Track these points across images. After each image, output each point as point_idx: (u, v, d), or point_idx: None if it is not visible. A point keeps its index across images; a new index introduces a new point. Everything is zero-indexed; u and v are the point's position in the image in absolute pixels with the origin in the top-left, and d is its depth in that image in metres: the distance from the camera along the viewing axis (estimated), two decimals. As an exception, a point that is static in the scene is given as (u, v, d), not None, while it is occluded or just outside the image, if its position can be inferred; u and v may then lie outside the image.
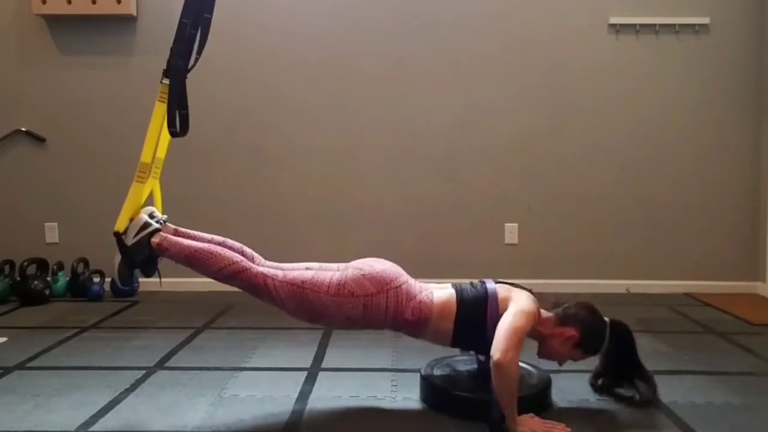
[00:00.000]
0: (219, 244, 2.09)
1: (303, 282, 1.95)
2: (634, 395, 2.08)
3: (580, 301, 2.06)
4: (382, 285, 1.94)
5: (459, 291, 2.01)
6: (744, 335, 2.93)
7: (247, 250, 2.13)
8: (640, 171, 3.88)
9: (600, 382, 2.14)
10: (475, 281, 2.06)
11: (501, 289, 2.00)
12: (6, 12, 3.85)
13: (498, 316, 1.90)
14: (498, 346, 1.78)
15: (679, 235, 3.88)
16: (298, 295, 1.94)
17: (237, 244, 2.13)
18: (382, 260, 2.05)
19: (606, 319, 2.04)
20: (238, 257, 2.00)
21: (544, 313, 2.03)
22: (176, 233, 2.11)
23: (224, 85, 3.87)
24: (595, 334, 2.01)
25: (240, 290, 2.03)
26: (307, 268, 2.05)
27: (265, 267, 2.06)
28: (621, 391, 2.12)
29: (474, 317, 1.94)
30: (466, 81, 3.87)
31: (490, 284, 2.02)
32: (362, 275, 1.95)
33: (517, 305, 1.91)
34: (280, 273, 1.99)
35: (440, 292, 2.02)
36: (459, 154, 3.90)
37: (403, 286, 1.97)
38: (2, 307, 3.45)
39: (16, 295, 3.56)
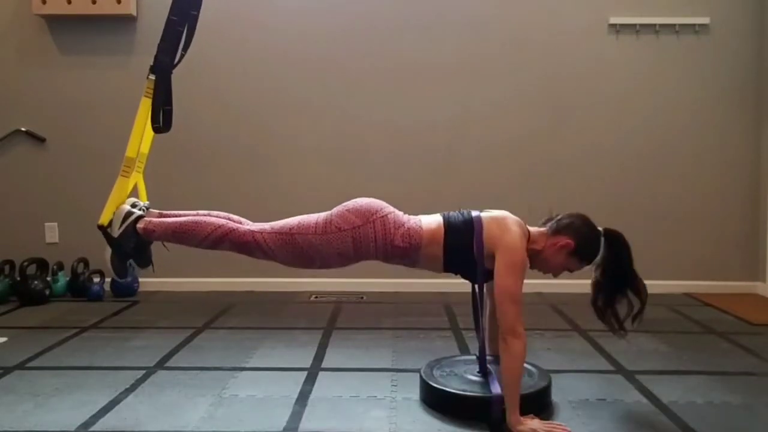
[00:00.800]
0: (204, 215, 2.08)
1: (290, 228, 1.95)
2: (627, 315, 2.01)
3: (572, 212, 2.06)
4: (367, 216, 1.94)
5: (446, 217, 2.00)
6: (744, 335, 2.93)
7: (234, 216, 2.12)
8: (640, 171, 3.88)
9: (600, 298, 2.03)
10: (463, 210, 2.03)
11: (488, 223, 1.96)
12: (6, 12, 3.85)
13: (483, 246, 1.92)
14: (503, 326, 1.83)
15: (679, 235, 3.88)
16: (288, 242, 1.94)
17: (223, 213, 2.12)
18: (366, 197, 2.04)
19: (600, 228, 2.03)
20: (222, 221, 2.00)
21: (537, 230, 2.03)
22: (161, 216, 2.11)
23: (223, 84, 3.86)
24: (591, 241, 2.00)
25: (231, 251, 2.01)
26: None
27: (253, 225, 2.05)
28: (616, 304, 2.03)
29: (461, 244, 1.95)
30: (466, 81, 3.87)
31: (475, 212, 2.00)
32: (346, 210, 1.96)
33: (504, 257, 1.88)
34: (267, 226, 1.99)
35: (428, 218, 2.01)
36: (459, 154, 3.90)
37: (389, 216, 1.97)
38: (2, 307, 3.45)
39: (16, 295, 3.56)
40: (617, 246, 2.02)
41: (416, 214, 2.00)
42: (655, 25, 3.80)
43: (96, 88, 3.87)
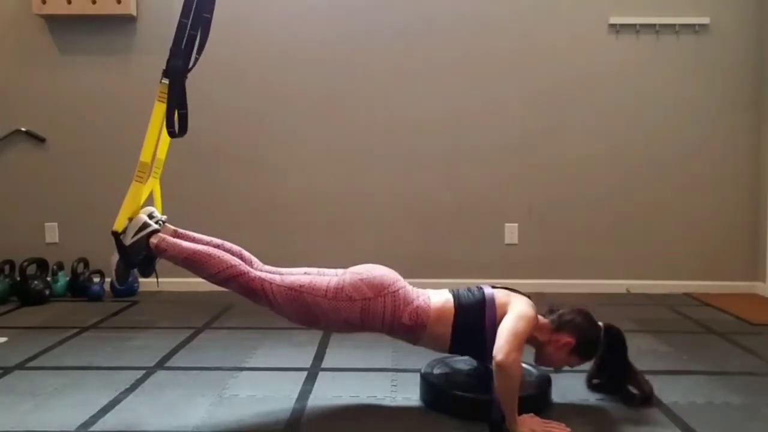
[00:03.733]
0: (217, 246, 2.08)
1: (301, 286, 1.95)
2: (635, 395, 2.08)
3: (576, 307, 2.07)
4: (379, 289, 1.95)
5: (456, 296, 2.01)
6: (744, 335, 2.93)
7: (246, 253, 2.13)
8: (639, 171, 3.88)
9: (595, 382, 2.13)
10: (472, 287, 2.06)
11: (499, 294, 2.00)
12: (6, 12, 3.85)
13: (496, 322, 1.91)
14: (500, 348, 1.79)
15: (679, 235, 3.88)
16: (296, 299, 1.94)
17: (236, 248, 2.13)
18: (379, 266, 2.06)
19: (600, 323, 2.05)
20: (236, 260, 2.00)
21: (541, 319, 2.03)
22: (175, 234, 2.10)
23: (225, 85, 3.86)
24: (591, 341, 2.02)
25: (236, 292, 2.02)
26: (306, 273, 2.05)
27: (263, 271, 2.05)
28: (618, 393, 2.12)
29: (472, 323, 1.95)
30: (467, 81, 3.87)
31: (488, 289, 2.02)
32: (360, 280, 1.97)
33: (516, 310, 1.91)
34: (277, 277, 1.99)
35: (437, 297, 2.02)
36: (459, 155, 3.90)
37: (400, 291, 1.98)
38: (2, 307, 3.45)
39: (16, 295, 3.56)
40: (615, 343, 2.05)
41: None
42: (655, 25, 3.81)
43: (96, 88, 3.87)
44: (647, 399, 2.06)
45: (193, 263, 1.98)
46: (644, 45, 3.83)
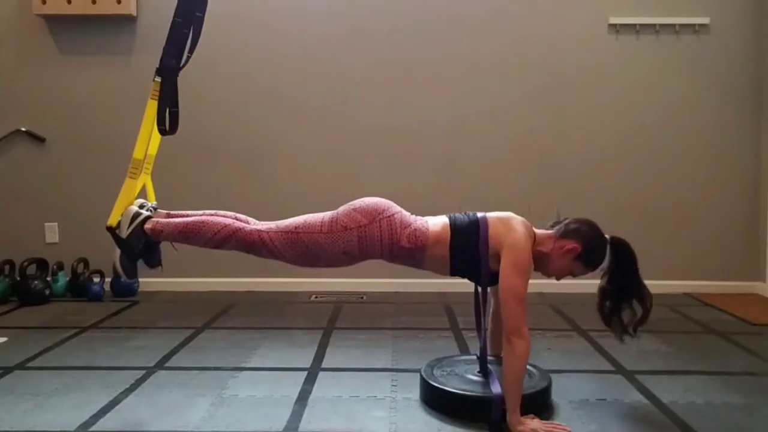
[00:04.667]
0: (211, 215, 2.09)
1: (296, 227, 1.96)
2: (630, 322, 2.04)
3: (581, 217, 2.06)
4: (374, 215, 1.95)
5: (452, 219, 2.01)
6: (744, 335, 2.93)
7: (241, 216, 2.13)
8: (639, 171, 3.88)
9: (606, 305, 2.06)
10: (468, 211, 2.04)
11: (494, 223, 1.97)
12: (6, 12, 3.85)
13: (489, 248, 1.92)
14: (507, 326, 1.83)
15: (679, 235, 3.88)
16: (294, 240, 1.95)
17: (230, 213, 2.13)
18: (372, 197, 2.05)
19: (607, 235, 2.04)
20: (229, 220, 2.02)
21: (544, 232, 2.03)
22: (168, 216, 2.12)
23: (224, 85, 3.86)
24: (597, 248, 2.00)
25: (237, 250, 2.02)
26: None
27: (259, 224, 2.06)
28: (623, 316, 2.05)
29: (467, 242, 1.95)
30: (466, 81, 3.87)
31: (481, 214, 2.01)
32: (353, 209, 1.97)
33: (509, 256, 1.89)
34: (273, 225, 2.00)
35: (434, 219, 2.02)
36: (458, 155, 3.89)
37: (396, 216, 1.98)
38: (2, 307, 3.45)
39: (16, 295, 3.56)
40: (623, 254, 2.03)
41: (415, 215, 2.01)
42: (655, 25, 3.80)
43: (96, 88, 3.87)
44: (645, 315, 2.02)
45: (190, 233, 1.99)
46: (644, 45, 3.83)
